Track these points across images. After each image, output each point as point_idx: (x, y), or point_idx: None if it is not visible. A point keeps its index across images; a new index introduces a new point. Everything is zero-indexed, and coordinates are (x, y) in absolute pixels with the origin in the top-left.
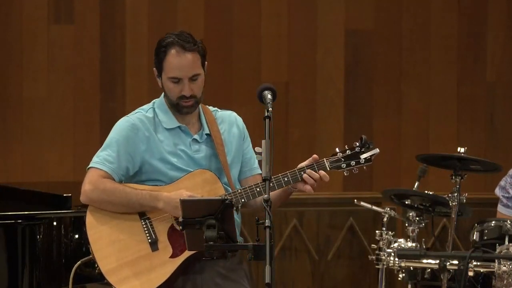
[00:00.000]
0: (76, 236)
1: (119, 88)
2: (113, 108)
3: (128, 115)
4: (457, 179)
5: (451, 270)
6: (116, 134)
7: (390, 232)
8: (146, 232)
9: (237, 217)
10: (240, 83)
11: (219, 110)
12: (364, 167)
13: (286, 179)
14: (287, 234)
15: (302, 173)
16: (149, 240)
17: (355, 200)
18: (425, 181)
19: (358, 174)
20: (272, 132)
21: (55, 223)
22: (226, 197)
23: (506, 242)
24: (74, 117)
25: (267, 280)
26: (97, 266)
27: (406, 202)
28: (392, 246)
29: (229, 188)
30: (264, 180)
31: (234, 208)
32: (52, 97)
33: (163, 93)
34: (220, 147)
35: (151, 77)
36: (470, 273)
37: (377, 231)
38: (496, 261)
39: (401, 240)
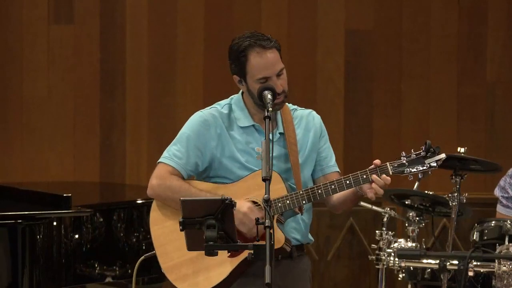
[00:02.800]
0: (76, 236)
1: (119, 88)
2: (113, 108)
3: (202, 110)
4: (457, 179)
5: (451, 270)
6: (188, 129)
7: (390, 232)
8: None
9: (305, 217)
10: None
11: (298, 108)
12: (429, 172)
13: (348, 182)
14: None
15: (364, 176)
16: None
17: None
18: (425, 181)
19: None
20: (272, 132)
21: (55, 223)
22: (226, 197)
23: (506, 242)
24: (74, 117)
25: (267, 280)
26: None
27: (406, 202)
28: (392, 246)
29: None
30: (263, 180)
31: (297, 208)
32: (52, 97)
33: (241, 90)
34: (293, 147)
35: (151, 77)
36: (470, 273)
37: (377, 231)
38: (496, 261)
39: (401, 240)
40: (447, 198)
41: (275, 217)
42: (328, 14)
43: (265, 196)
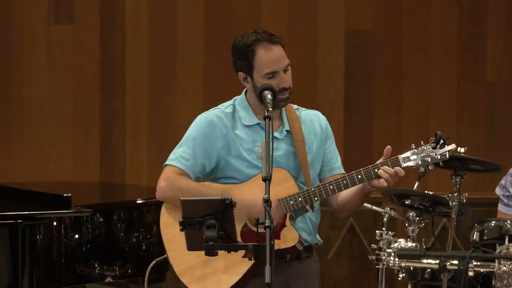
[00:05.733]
0: (76, 236)
1: (119, 88)
2: (113, 108)
3: (207, 111)
4: (457, 179)
5: (451, 270)
6: (193, 131)
7: (390, 232)
8: None
9: (313, 217)
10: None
11: (303, 108)
12: (440, 164)
13: (359, 176)
14: None
15: (375, 170)
16: None
17: None
18: (425, 181)
19: None
20: (272, 132)
21: (55, 223)
22: (226, 197)
23: (506, 242)
24: (74, 117)
25: (267, 280)
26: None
27: (406, 202)
28: (392, 246)
29: (305, 187)
30: (264, 180)
31: (308, 205)
32: (52, 97)
33: (244, 91)
34: (300, 144)
35: (151, 77)
36: (470, 273)
37: (377, 231)
38: (496, 261)
39: (401, 240)
40: (447, 198)
41: (288, 215)
42: (328, 14)
43: (265, 196)
